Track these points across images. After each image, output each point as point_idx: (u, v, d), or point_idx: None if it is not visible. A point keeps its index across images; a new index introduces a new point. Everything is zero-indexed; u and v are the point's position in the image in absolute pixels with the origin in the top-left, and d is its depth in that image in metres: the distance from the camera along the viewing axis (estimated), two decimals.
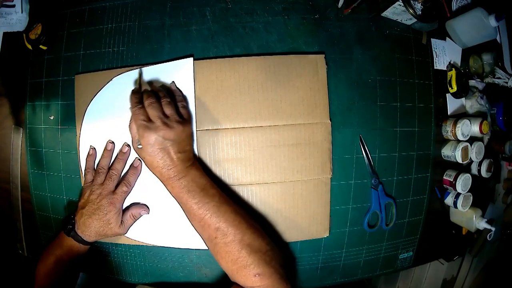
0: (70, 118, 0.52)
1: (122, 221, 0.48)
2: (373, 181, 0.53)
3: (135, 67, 0.50)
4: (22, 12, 0.53)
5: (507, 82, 0.61)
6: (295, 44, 0.51)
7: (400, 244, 0.58)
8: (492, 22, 0.51)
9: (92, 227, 0.47)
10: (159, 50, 0.51)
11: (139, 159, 0.50)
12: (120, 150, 0.50)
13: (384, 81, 0.54)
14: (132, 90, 0.46)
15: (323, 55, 0.50)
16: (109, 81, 0.50)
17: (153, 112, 0.42)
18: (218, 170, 0.49)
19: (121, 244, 0.53)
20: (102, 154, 0.50)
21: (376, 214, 0.54)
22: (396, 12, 0.52)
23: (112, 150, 0.50)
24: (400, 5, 0.49)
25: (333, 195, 0.51)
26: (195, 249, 0.52)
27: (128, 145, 0.50)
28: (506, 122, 0.61)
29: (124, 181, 0.49)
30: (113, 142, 0.50)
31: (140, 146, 0.42)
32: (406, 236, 0.58)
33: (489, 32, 0.53)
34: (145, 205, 0.50)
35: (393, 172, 0.55)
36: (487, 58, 0.59)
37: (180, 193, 0.42)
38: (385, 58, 0.54)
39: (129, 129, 0.45)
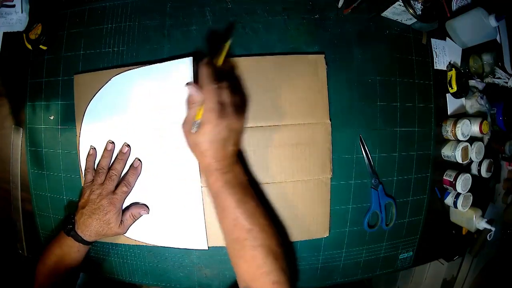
0: (70, 118, 0.52)
1: (122, 221, 0.48)
2: (373, 181, 0.53)
3: (134, 67, 0.50)
4: (22, 12, 0.53)
5: (507, 82, 0.61)
6: (295, 44, 0.51)
7: (400, 244, 0.58)
8: (492, 22, 0.51)
9: (92, 227, 0.47)
10: (159, 50, 0.51)
11: (139, 160, 0.50)
12: (120, 151, 0.50)
13: (384, 81, 0.54)
14: (205, 63, 0.41)
15: (323, 55, 0.50)
16: (107, 81, 0.50)
17: (226, 98, 0.39)
18: None
19: (121, 244, 0.53)
20: (102, 154, 0.50)
21: (376, 214, 0.54)
22: (396, 12, 0.52)
23: (112, 150, 0.50)
24: (400, 5, 0.49)
25: (333, 195, 0.51)
26: (195, 249, 0.52)
27: (128, 145, 0.50)
28: (506, 122, 0.61)
29: (124, 181, 0.48)
30: (113, 142, 0.50)
31: (194, 130, 0.39)
32: (406, 236, 0.58)
33: (489, 32, 0.53)
34: (144, 205, 0.50)
35: (393, 172, 0.55)
36: (487, 58, 0.59)
37: (222, 187, 0.40)
38: (385, 58, 0.54)
39: (188, 108, 0.41)
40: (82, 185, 0.51)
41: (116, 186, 0.48)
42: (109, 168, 0.49)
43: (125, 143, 0.50)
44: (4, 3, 0.53)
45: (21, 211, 0.58)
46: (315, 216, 0.51)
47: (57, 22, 0.54)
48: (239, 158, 0.45)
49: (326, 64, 0.50)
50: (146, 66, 0.49)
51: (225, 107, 0.39)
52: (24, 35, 0.54)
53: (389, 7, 0.50)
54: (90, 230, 0.47)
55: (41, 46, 0.53)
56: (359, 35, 0.53)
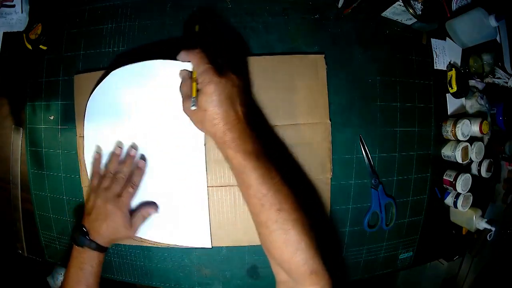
0: (70, 118, 0.52)
1: (132, 223, 0.47)
2: (373, 181, 0.53)
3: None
4: (22, 12, 0.53)
5: (507, 82, 0.61)
6: (295, 44, 0.51)
7: (400, 244, 0.58)
8: (492, 22, 0.51)
9: (102, 232, 0.45)
10: (159, 50, 0.51)
11: (143, 159, 0.49)
12: (127, 153, 0.49)
13: (384, 81, 0.54)
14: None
15: (323, 55, 0.50)
16: (105, 76, 0.49)
17: (217, 55, 0.37)
18: (218, 169, 0.49)
19: (121, 244, 0.53)
20: (110, 158, 0.49)
21: (376, 214, 0.54)
22: (396, 12, 0.52)
23: (120, 155, 0.49)
24: (400, 5, 0.49)
25: (333, 195, 0.51)
26: (195, 249, 0.52)
27: (135, 148, 0.49)
28: (506, 122, 0.61)
29: (130, 183, 0.47)
30: (121, 147, 0.49)
31: (194, 107, 0.37)
32: (406, 236, 0.58)
33: (489, 32, 0.53)
34: (153, 203, 0.49)
35: (393, 172, 0.55)
36: (487, 58, 0.59)
37: (244, 161, 0.36)
38: (385, 58, 0.54)
39: (180, 88, 0.41)
40: (84, 195, 0.51)
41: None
42: (116, 172, 0.48)
43: (131, 145, 0.49)
44: (4, 3, 0.53)
45: (21, 211, 0.58)
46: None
47: (57, 22, 0.54)
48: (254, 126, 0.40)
49: (326, 64, 0.50)
50: (146, 62, 0.47)
51: (219, 64, 0.37)
52: (24, 35, 0.54)
53: (389, 7, 0.50)
54: (102, 236, 0.45)
55: (41, 46, 0.53)
56: (359, 35, 0.53)
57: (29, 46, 0.54)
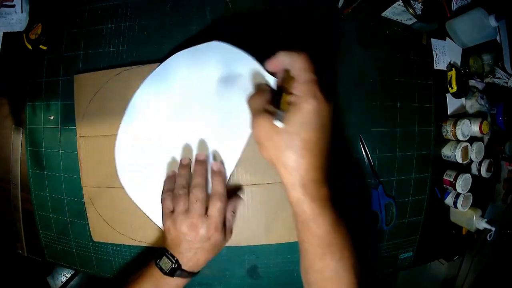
0: (70, 118, 0.52)
1: (227, 228, 0.41)
2: (373, 181, 0.53)
3: (140, 65, 0.50)
4: (22, 12, 0.53)
5: (507, 82, 0.61)
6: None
7: (400, 244, 0.58)
8: (492, 22, 0.51)
9: (201, 260, 0.39)
10: (159, 50, 0.51)
11: (221, 162, 0.41)
12: (196, 159, 0.40)
13: (384, 81, 0.54)
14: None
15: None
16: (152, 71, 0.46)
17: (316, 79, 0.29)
18: None
19: (121, 244, 0.53)
20: (178, 172, 0.41)
21: (376, 214, 0.54)
22: (396, 12, 0.52)
23: (189, 165, 0.41)
24: (400, 5, 0.49)
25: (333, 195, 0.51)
26: None
27: (206, 155, 0.41)
28: (506, 122, 0.61)
29: (215, 196, 0.39)
30: (190, 158, 0.41)
31: (280, 124, 0.28)
32: (406, 236, 0.58)
33: (489, 32, 0.53)
34: (235, 194, 0.43)
35: (393, 172, 0.55)
36: (487, 58, 0.59)
37: (320, 208, 0.30)
38: (385, 58, 0.54)
39: (249, 100, 0.33)
40: (85, 190, 0.50)
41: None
42: (189, 186, 0.40)
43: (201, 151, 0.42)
44: (4, 3, 0.53)
45: (21, 211, 0.58)
46: None
47: (57, 22, 0.54)
48: None
49: (326, 64, 0.50)
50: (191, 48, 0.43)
51: (321, 80, 0.28)
52: (24, 35, 0.54)
53: (389, 7, 0.50)
54: (201, 263, 0.40)
55: (41, 46, 0.53)
56: (359, 35, 0.53)
57: (29, 46, 0.54)
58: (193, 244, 0.38)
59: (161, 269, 0.39)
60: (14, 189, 0.58)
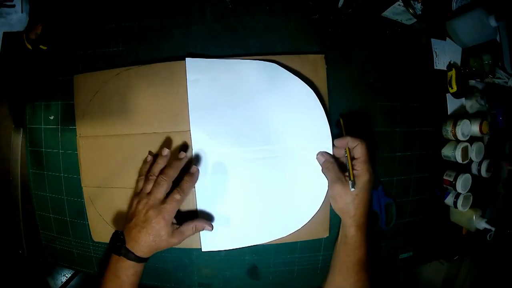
0: (70, 118, 0.52)
1: (180, 231, 0.44)
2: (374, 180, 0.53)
3: (144, 65, 0.50)
4: (22, 12, 0.53)
5: (507, 82, 0.61)
6: (295, 44, 0.51)
7: (400, 244, 0.58)
8: (492, 22, 0.51)
9: (142, 241, 0.42)
10: (159, 50, 0.51)
11: (197, 168, 0.46)
12: (178, 157, 0.46)
13: (384, 81, 0.54)
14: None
15: (323, 55, 0.50)
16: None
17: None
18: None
19: None
20: (156, 160, 0.46)
21: (376, 214, 0.54)
22: (396, 12, 0.52)
23: (167, 157, 0.46)
24: (400, 5, 0.49)
25: None
26: (195, 249, 0.52)
27: (185, 151, 0.46)
28: (506, 122, 0.62)
29: (178, 188, 0.43)
30: (168, 148, 0.46)
31: (353, 189, 0.43)
32: (406, 236, 0.58)
33: (489, 32, 0.53)
34: (210, 222, 0.48)
35: (393, 172, 0.55)
36: (487, 58, 0.59)
37: (364, 239, 0.45)
38: (385, 58, 0.54)
39: (326, 171, 0.47)
40: (85, 190, 0.50)
41: (168, 195, 0.43)
42: (159, 175, 0.44)
43: (182, 150, 0.47)
44: (4, 3, 0.53)
45: (21, 211, 0.58)
46: (315, 216, 0.50)
47: (57, 22, 0.54)
48: None
49: (326, 64, 0.50)
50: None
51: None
52: (24, 35, 0.54)
53: (389, 7, 0.50)
54: (141, 245, 0.42)
55: (41, 46, 0.53)
56: (359, 35, 0.53)
57: (29, 46, 0.53)
58: (139, 222, 0.42)
59: (112, 246, 0.43)
60: (14, 189, 0.58)
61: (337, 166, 0.47)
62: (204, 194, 0.49)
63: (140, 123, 0.49)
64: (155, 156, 0.48)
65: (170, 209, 0.42)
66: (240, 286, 0.54)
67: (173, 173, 0.44)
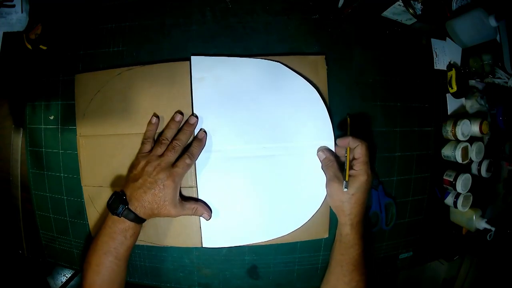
0: (70, 118, 0.52)
1: (182, 204, 0.44)
2: (373, 181, 0.53)
3: (145, 66, 0.50)
4: (22, 12, 0.53)
5: (507, 82, 0.61)
6: (295, 44, 0.51)
7: (400, 244, 0.58)
8: (492, 22, 0.51)
9: (146, 202, 0.41)
10: (159, 50, 0.51)
11: (204, 131, 0.47)
12: (187, 121, 0.46)
13: (384, 81, 0.54)
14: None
15: (324, 56, 0.50)
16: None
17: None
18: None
19: None
20: (168, 125, 0.46)
21: (376, 214, 0.54)
22: (396, 12, 0.52)
23: (180, 122, 0.46)
24: (400, 5, 0.49)
25: None
26: (195, 249, 0.52)
27: (196, 116, 0.47)
28: (506, 122, 0.61)
29: (187, 153, 0.44)
30: (182, 114, 0.47)
31: (346, 189, 0.43)
32: (406, 236, 0.58)
33: (489, 32, 0.53)
34: (210, 209, 0.48)
35: (393, 172, 0.55)
36: (487, 58, 0.59)
37: (360, 239, 0.45)
38: (385, 58, 0.54)
39: (324, 168, 0.47)
40: (85, 190, 0.50)
41: (177, 160, 0.44)
42: (172, 139, 0.45)
43: (193, 114, 0.47)
44: (4, 3, 0.53)
45: (21, 211, 0.59)
46: (315, 216, 0.50)
47: (57, 22, 0.54)
48: None
49: (327, 65, 0.50)
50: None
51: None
52: (24, 35, 0.54)
53: (389, 7, 0.50)
54: (144, 206, 0.41)
55: (41, 46, 0.53)
56: (359, 35, 0.53)
57: (29, 46, 0.54)
58: (147, 182, 0.42)
59: (110, 208, 0.42)
60: (14, 189, 0.58)
61: (336, 164, 0.47)
62: (206, 190, 0.49)
63: (141, 123, 0.49)
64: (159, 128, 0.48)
65: (180, 172, 0.43)
66: (240, 286, 0.54)
67: (186, 138, 0.46)
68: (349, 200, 0.44)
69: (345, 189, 0.43)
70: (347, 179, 0.44)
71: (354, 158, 0.45)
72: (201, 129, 0.47)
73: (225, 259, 0.53)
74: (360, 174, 0.44)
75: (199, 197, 0.49)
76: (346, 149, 0.46)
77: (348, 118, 0.49)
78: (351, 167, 0.45)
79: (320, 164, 0.49)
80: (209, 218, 0.47)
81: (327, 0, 0.52)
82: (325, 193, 0.49)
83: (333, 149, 0.49)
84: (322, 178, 0.49)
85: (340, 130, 0.51)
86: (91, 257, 0.43)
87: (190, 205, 0.45)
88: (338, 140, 0.47)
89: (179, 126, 0.47)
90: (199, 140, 0.46)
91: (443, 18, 0.56)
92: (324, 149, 0.48)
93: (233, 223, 0.49)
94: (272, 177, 0.49)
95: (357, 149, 0.45)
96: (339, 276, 0.46)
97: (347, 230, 0.45)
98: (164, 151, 0.44)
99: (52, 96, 0.54)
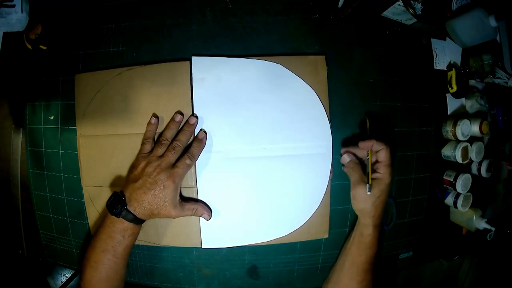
0: (70, 118, 0.52)
1: (182, 205, 0.44)
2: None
3: (144, 66, 0.50)
4: (22, 12, 0.53)
5: (507, 82, 0.61)
6: (295, 44, 0.51)
7: (400, 244, 0.58)
8: (492, 22, 0.51)
9: (146, 203, 0.41)
10: (159, 50, 0.51)
11: (204, 131, 0.47)
12: (187, 122, 0.46)
13: (384, 81, 0.54)
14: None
15: (324, 56, 0.50)
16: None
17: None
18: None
19: None
20: (168, 125, 0.47)
21: None
22: (396, 12, 0.52)
23: (180, 122, 0.47)
24: (400, 5, 0.49)
25: (333, 195, 0.51)
26: (195, 249, 0.52)
27: (196, 117, 0.47)
28: (506, 122, 0.61)
29: (188, 154, 0.44)
30: (182, 114, 0.47)
31: (369, 192, 0.44)
32: (406, 236, 0.58)
33: (489, 32, 0.53)
34: (210, 210, 0.48)
35: (393, 172, 0.54)
36: (487, 58, 0.59)
37: (378, 239, 0.47)
38: (385, 58, 0.54)
39: (349, 171, 0.48)
40: (85, 190, 0.50)
41: (177, 160, 0.44)
42: (173, 140, 0.45)
43: (193, 113, 0.47)
44: (4, 3, 0.53)
45: (21, 211, 0.59)
46: (314, 217, 0.50)
47: (57, 22, 0.54)
48: None
49: (327, 65, 0.50)
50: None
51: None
52: (24, 35, 0.54)
53: (389, 7, 0.50)
54: (144, 207, 0.41)
55: (41, 46, 0.53)
56: (359, 35, 0.53)
57: (29, 46, 0.53)
58: (147, 183, 0.42)
59: (109, 208, 0.42)
60: (14, 189, 0.58)
61: (361, 167, 0.47)
62: (206, 191, 0.49)
63: (141, 123, 0.49)
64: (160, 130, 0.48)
65: (181, 173, 0.43)
66: (240, 286, 0.54)
67: (186, 138, 0.45)
68: (373, 203, 0.45)
69: (369, 192, 0.44)
70: (370, 182, 0.44)
71: (376, 161, 0.46)
72: (201, 130, 0.48)
73: (225, 259, 0.53)
74: (385, 177, 0.45)
75: (199, 198, 0.49)
76: (368, 151, 0.46)
77: (368, 120, 0.49)
78: (374, 170, 0.46)
79: (343, 167, 0.50)
80: (209, 218, 0.47)
81: (327, 0, 0.52)
82: (323, 193, 0.49)
83: (330, 151, 0.49)
84: (321, 178, 0.49)
85: (359, 129, 0.52)
86: (89, 254, 0.43)
87: (190, 206, 0.45)
88: (361, 143, 0.46)
89: (179, 127, 0.47)
90: (199, 141, 0.46)
91: (443, 18, 0.56)
92: (348, 152, 0.49)
93: (233, 223, 0.49)
94: (272, 177, 0.49)
95: (381, 152, 0.45)
96: (354, 275, 0.47)
97: (369, 231, 0.46)
98: (165, 151, 0.44)
99: (52, 96, 0.54)
